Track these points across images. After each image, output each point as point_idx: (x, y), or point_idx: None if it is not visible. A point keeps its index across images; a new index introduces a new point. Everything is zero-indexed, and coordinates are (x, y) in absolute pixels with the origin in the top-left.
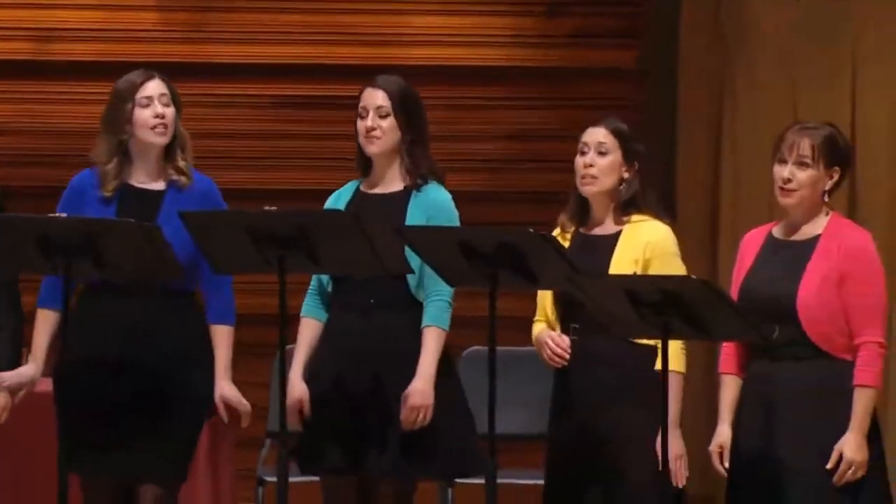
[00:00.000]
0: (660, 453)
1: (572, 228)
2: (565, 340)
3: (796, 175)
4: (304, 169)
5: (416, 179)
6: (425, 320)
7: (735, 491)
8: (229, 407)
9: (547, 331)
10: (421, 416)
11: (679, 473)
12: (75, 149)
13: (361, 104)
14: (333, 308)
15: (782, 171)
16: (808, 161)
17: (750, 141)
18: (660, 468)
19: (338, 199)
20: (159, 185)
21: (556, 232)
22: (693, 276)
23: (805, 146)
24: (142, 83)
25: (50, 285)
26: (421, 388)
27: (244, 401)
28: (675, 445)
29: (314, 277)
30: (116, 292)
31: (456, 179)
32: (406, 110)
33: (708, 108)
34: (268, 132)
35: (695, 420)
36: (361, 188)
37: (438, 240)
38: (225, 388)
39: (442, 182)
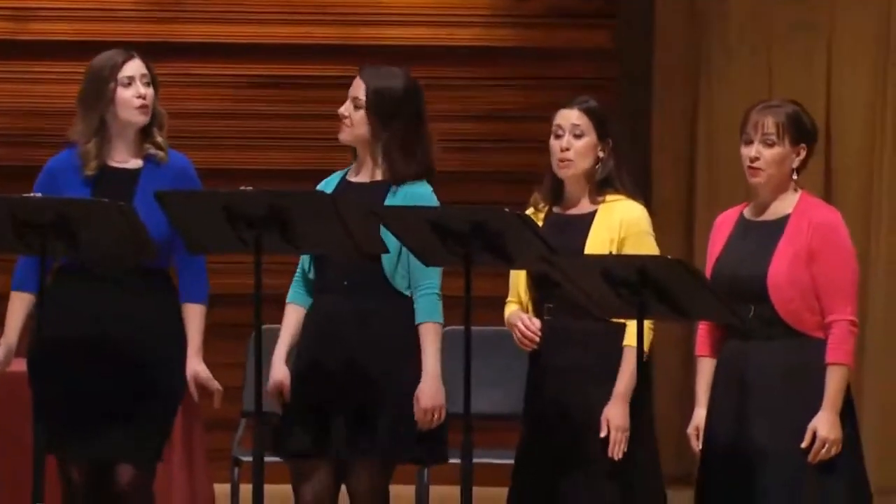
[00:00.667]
0: (605, 423)
1: (545, 208)
2: (536, 323)
3: (763, 154)
4: (279, 149)
5: (394, 171)
6: (419, 317)
7: (707, 471)
8: (200, 386)
9: (518, 312)
10: (436, 416)
11: (618, 446)
12: (54, 128)
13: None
14: (315, 292)
15: (749, 151)
16: (774, 139)
17: (725, 121)
18: (646, 450)
19: (325, 188)
20: (136, 164)
21: (530, 211)
22: (669, 257)
23: (769, 124)
24: (123, 63)
25: (24, 267)
26: (430, 390)
27: (215, 381)
28: (619, 417)
29: (300, 263)
30: (91, 272)
31: None
32: (380, 110)
33: (683, 89)
34: (243, 112)
35: (670, 402)
36: (347, 175)
37: (412, 220)
38: (196, 366)
39: (421, 178)
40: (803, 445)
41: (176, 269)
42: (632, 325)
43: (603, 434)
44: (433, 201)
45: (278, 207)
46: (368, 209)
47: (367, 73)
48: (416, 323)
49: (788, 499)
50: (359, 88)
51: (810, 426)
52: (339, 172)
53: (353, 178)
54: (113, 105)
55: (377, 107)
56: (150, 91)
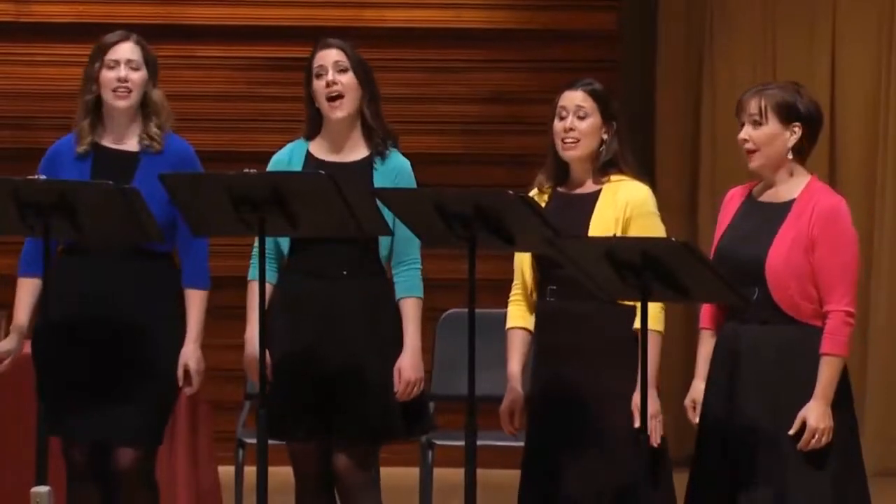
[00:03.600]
0: (637, 412)
1: (549, 189)
2: (516, 424)
3: (752, 135)
4: (283, 131)
5: (378, 142)
6: (401, 292)
7: (701, 449)
8: (186, 372)
9: (510, 393)
10: (416, 389)
11: (654, 433)
12: (55, 111)
13: (318, 64)
14: (295, 274)
15: (741, 134)
16: (758, 118)
17: (729, 103)
18: (638, 426)
19: (288, 164)
20: (132, 147)
21: (534, 192)
22: (674, 238)
23: (752, 106)
24: (113, 45)
25: (30, 252)
26: (411, 363)
27: (199, 376)
28: (652, 405)
29: (262, 242)
30: (94, 254)
31: (434, 142)
32: (362, 68)
33: (687, 70)
34: (246, 94)
35: (673, 382)
36: (313, 153)
37: (416, 202)
38: (189, 355)
39: (397, 145)
40: (791, 433)
41: (178, 253)
42: (646, 312)
43: (637, 424)
44: (412, 175)
45: (281, 190)
46: (372, 191)
47: (333, 41)
48: (398, 297)
49: (777, 480)
50: (333, 55)
51: (800, 414)
52: (296, 148)
53: (326, 158)
54: (97, 86)
55: (359, 66)
56: (136, 75)
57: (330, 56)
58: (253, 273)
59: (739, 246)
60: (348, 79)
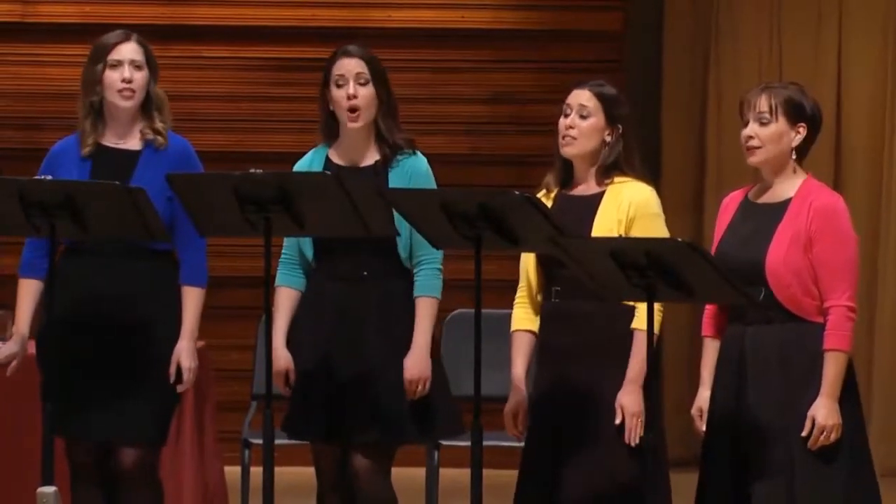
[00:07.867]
0: (620, 410)
1: (556, 190)
2: (520, 426)
3: (758, 132)
4: (286, 132)
5: (387, 150)
6: (417, 290)
7: (708, 452)
8: (178, 369)
9: (514, 395)
10: (420, 387)
11: (633, 432)
12: (60, 111)
13: (338, 73)
14: (318, 278)
15: (745, 131)
16: (767, 117)
17: (734, 103)
18: (654, 433)
19: (309, 169)
20: (133, 146)
21: (541, 193)
22: (679, 238)
23: (762, 103)
24: (115, 45)
25: (31, 253)
26: (417, 361)
27: (190, 374)
28: (633, 403)
29: (287, 247)
30: (96, 253)
31: (439, 142)
32: (381, 78)
33: (693, 70)
34: (250, 94)
35: (676, 383)
36: (331, 158)
37: (422, 202)
38: (182, 351)
39: (415, 149)
40: (803, 434)
41: (176, 250)
42: (641, 308)
43: (618, 421)
44: (430, 175)
45: (287, 190)
46: (378, 192)
47: (356, 50)
48: (415, 295)
49: (786, 481)
50: (355, 66)
51: (809, 413)
52: (317, 153)
53: (342, 163)
54: (101, 86)
55: (378, 77)
56: (139, 75)
57: (352, 67)
58: (280, 279)
59: (739, 248)
60: (367, 91)
